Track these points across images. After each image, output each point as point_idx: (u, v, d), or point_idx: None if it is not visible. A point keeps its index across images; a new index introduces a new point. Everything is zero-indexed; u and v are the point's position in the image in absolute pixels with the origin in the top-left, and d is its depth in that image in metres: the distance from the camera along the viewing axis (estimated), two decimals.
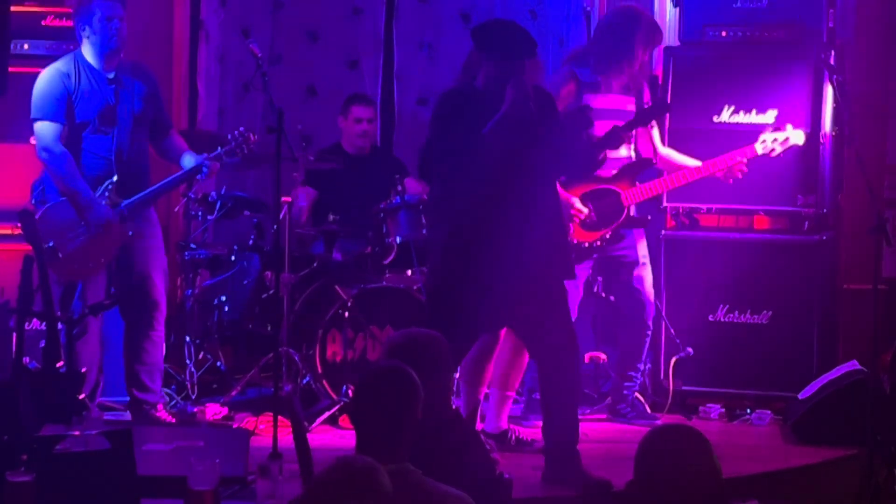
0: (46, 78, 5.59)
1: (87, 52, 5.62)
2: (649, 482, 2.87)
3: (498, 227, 4.85)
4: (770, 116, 6.15)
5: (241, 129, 5.80)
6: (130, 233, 5.59)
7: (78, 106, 5.56)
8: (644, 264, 6.04)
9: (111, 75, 5.62)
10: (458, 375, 5.44)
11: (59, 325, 5.01)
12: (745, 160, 5.92)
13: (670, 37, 6.69)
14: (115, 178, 5.57)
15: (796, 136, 5.96)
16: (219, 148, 5.72)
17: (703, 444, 2.90)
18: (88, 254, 5.55)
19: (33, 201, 5.62)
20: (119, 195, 5.59)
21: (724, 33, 6.38)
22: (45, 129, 5.55)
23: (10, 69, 5.48)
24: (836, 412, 5.66)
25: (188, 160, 5.74)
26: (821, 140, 6.19)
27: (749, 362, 6.22)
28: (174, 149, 5.84)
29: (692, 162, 6.01)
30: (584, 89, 5.88)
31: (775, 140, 5.94)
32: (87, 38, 5.59)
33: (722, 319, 6.28)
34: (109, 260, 5.61)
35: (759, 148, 5.94)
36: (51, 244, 5.44)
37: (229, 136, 5.79)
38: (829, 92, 6.12)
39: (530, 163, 4.88)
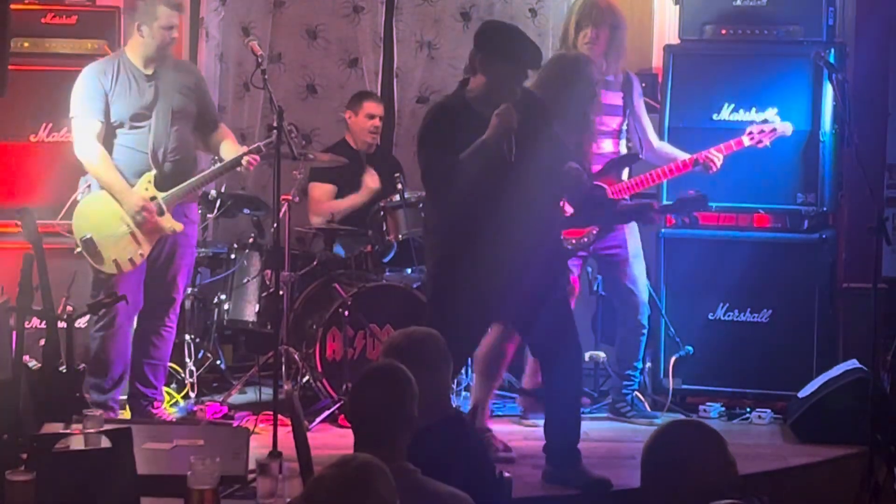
0: (85, 76, 5.67)
1: (134, 48, 5.68)
2: (659, 478, 2.86)
3: (491, 233, 4.84)
4: (770, 114, 6.14)
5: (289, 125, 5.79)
6: (174, 231, 5.67)
7: (114, 104, 5.62)
8: (635, 262, 6.02)
9: (150, 71, 5.67)
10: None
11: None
12: (719, 153, 5.89)
13: (670, 35, 6.69)
14: (153, 172, 5.61)
15: (783, 127, 5.97)
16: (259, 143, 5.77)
17: (715, 439, 2.90)
18: (126, 246, 5.63)
19: (80, 193, 5.75)
20: (158, 190, 5.64)
21: (723, 31, 6.37)
22: (81, 127, 5.63)
23: (10, 67, 5.48)
24: (836, 411, 5.65)
25: (226, 150, 5.79)
26: (821, 139, 6.19)
27: (749, 361, 6.22)
28: (218, 143, 5.90)
29: (685, 156, 6.00)
30: None
31: (762, 131, 5.95)
32: (141, 36, 5.63)
33: (722, 318, 6.27)
34: (147, 253, 5.68)
35: (747, 139, 5.95)
36: (88, 236, 5.56)
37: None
38: (829, 90, 6.11)
39: (518, 174, 4.85)
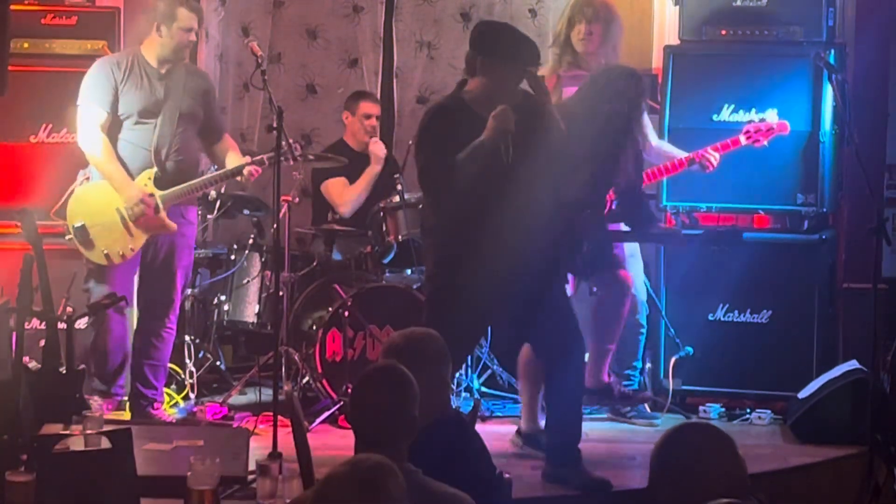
0: (97, 66, 5.71)
1: (151, 47, 5.70)
2: (668, 480, 2.86)
3: (489, 235, 4.83)
4: (770, 115, 6.14)
5: (290, 140, 5.75)
6: (169, 230, 5.67)
7: (123, 97, 5.65)
8: (632, 262, 6.01)
9: (164, 70, 5.70)
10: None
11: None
12: (715, 152, 5.90)
13: (670, 35, 6.69)
14: (154, 169, 5.62)
15: (780, 125, 5.98)
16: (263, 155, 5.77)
17: (726, 443, 2.89)
18: (118, 238, 5.63)
19: (77, 184, 5.76)
20: (157, 188, 5.65)
21: (723, 32, 6.37)
22: (85, 115, 5.65)
23: (10, 68, 5.48)
24: (836, 412, 5.65)
25: (231, 161, 5.81)
26: (820, 139, 6.19)
27: (749, 362, 6.21)
28: (223, 152, 5.91)
29: (683, 155, 6.00)
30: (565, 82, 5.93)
31: (759, 130, 5.96)
32: (160, 36, 5.66)
33: (722, 319, 6.27)
34: (138, 248, 5.68)
35: (744, 138, 5.96)
36: (80, 224, 5.59)
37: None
38: (829, 91, 6.11)
39: (516, 176, 4.83)
